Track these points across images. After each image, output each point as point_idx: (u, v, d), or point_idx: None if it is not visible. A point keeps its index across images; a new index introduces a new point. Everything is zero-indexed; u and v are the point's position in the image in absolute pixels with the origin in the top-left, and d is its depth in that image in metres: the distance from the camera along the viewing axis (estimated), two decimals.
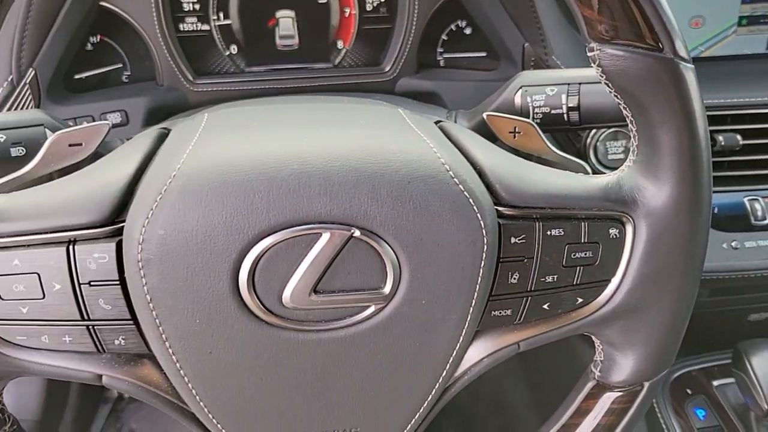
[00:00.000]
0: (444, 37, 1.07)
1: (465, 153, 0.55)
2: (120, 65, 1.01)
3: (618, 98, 0.51)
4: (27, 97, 0.89)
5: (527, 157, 0.67)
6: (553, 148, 0.67)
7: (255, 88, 1.01)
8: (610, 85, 0.51)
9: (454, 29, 1.07)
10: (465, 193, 0.49)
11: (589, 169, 0.65)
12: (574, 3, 0.49)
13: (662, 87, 0.49)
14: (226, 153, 0.49)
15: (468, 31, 1.07)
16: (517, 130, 0.67)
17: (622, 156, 0.96)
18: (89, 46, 0.98)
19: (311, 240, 0.47)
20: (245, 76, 1.03)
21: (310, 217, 0.46)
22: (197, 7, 1.00)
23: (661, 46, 0.48)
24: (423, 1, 1.00)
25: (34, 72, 0.89)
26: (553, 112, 0.73)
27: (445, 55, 1.08)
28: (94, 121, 0.93)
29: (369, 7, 1.05)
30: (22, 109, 0.89)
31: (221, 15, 1.01)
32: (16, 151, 0.67)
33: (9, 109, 0.88)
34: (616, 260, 0.54)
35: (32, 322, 0.49)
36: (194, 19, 1.01)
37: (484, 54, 1.07)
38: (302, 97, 0.70)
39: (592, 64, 0.51)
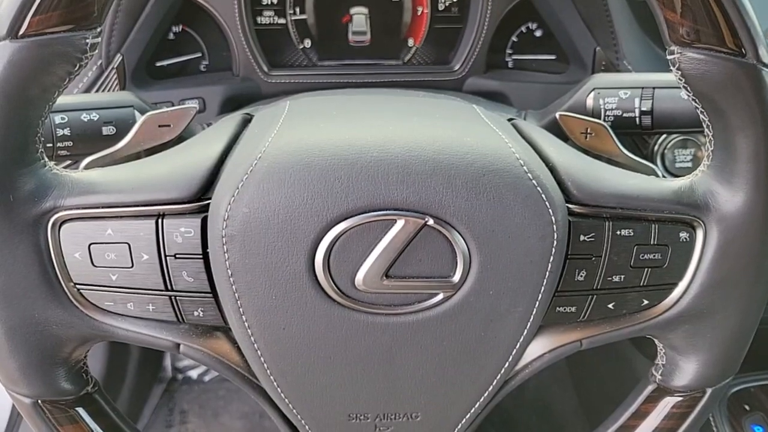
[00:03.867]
0: (514, 38, 1.07)
1: (538, 150, 0.56)
2: (199, 55, 1.04)
3: (696, 102, 0.52)
4: (113, 81, 0.93)
5: (598, 158, 0.67)
6: (625, 151, 0.67)
7: (326, 81, 1.03)
8: (688, 88, 0.51)
9: (524, 31, 1.07)
10: (538, 188, 0.50)
11: (659, 172, 0.65)
12: (656, 5, 0.49)
13: (742, 92, 0.49)
14: (309, 138, 0.51)
15: (539, 33, 1.07)
16: (589, 131, 0.68)
17: (690, 164, 0.95)
18: (171, 36, 1.03)
19: (386, 226, 0.48)
20: (317, 69, 1.06)
21: (387, 203, 0.48)
22: (275, 1, 1.03)
23: (743, 51, 0.48)
24: (495, 3, 1.01)
25: (121, 57, 0.93)
26: (625, 115, 0.74)
27: (514, 57, 1.08)
28: (173, 106, 0.97)
29: (441, 7, 1.06)
30: (108, 91, 0.93)
31: (297, 10, 1.04)
32: (107, 130, 0.70)
33: (96, 91, 0.92)
34: (685, 264, 0.54)
35: (120, 289, 0.52)
36: (271, 13, 1.04)
37: (553, 57, 1.07)
38: (379, 90, 0.72)
39: (672, 68, 0.51)
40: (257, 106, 0.69)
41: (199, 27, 1.03)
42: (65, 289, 0.51)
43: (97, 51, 0.91)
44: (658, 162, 0.95)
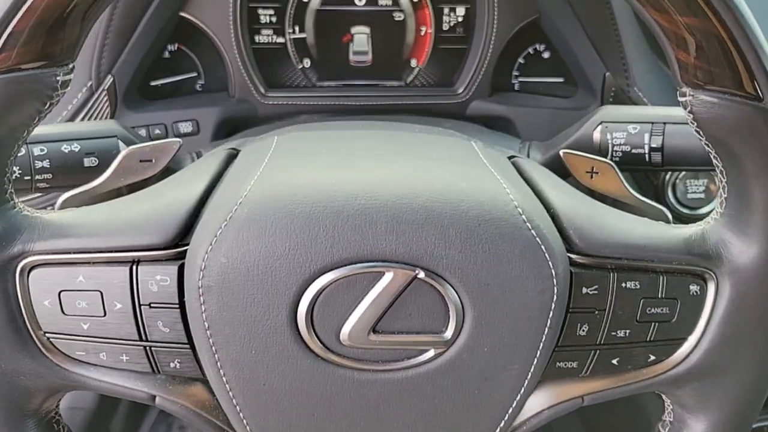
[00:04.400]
0: (521, 60, 1.04)
1: (539, 193, 0.53)
2: (195, 74, 1.02)
3: (709, 147, 0.49)
4: (104, 103, 0.90)
5: (603, 198, 0.64)
6: (633, 192, 0.64)
7: (325, 103, 1.00)
8: (701, 132, 0.48)
9: (531, 52, 1.04)
10: (537, 238, 0.47)
11: (669, 215, 0.62)
12: (668, 45, 0.46)
13: (759, 138, 0.46)
14: (293, 182, 0.49)
15: (546, 55, 1.04)
16: (594, 170, 0.64)
17: (702, 195, 0.91)
18: (167, 54, 1.00)
19: (374, 278, 0.46)
20: (316, 90, 1.03)
21: (375, 254, 0.45)
22: (274, 19, 1.01)
23: (761, 95, 0.45)
24: (502, 23, 0.98)
25: (112, 79, 0.91)
26: (633, 151, 0.70)
27: (521, 79, 1.05)
28: (166, 129, 0.94)
29: (446, 27, 1.03)
30: (98, 114, 0.90)
31: (296, 28, 1.01)
32: (89, 162, 0.68)
33: (86, 114, 0.90)
34: (695, 318, 0.51)
35: (92, 338, 0.49)
36: (270, 32, 1.01)
37: (561, 80, 1.04)
38: (373, 122, 0.69)
39: (683, 110, 0.48)
40: (245, 139, 0.66)
41: (195, 46, 1.00)
42: (34, 337, 0.49)
43: (85, 72, 0.90)
44: (670, 193, 0.92)
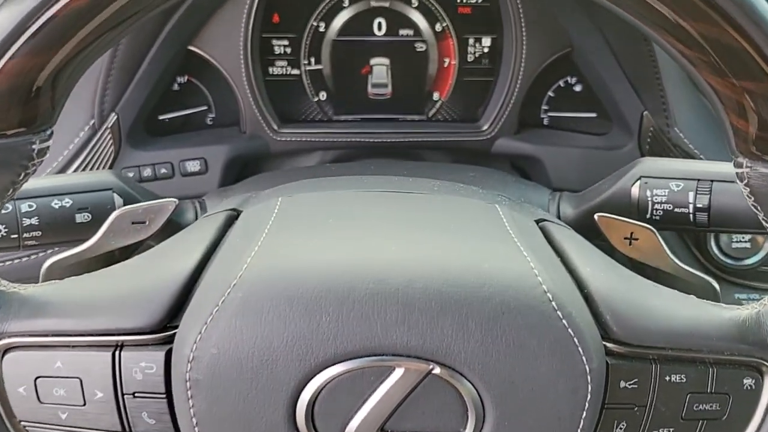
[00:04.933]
0: (550, 93, 0.97)
1: (571, 269, 0.49)
2: (205, 107, 0.97)
3: (767, 223, 0.44)
4: (107, 143, 0.86)
5: (642, 267, 0.57)
6: (676, 261, 0.57)
7: (341, 140, 0.95)
8: (758, 207, 0.43)
9: (562, 85, 0.97)
10: (569, 329, 0.42)
11: (718, 288, 0.55)
12: (722, 111, 0.41)
13: None
14: (293, 261, 0.45)
15: (578, 88, 0.97)
16: (633, 236, 0.58)
17: (748, 245, 0.84)
18: (176, 87, 0.95)
19: (382, 373, 0.41)
20: (332, 125, 0.98)
21: (384, 347, 0.41)
22: (288, 50, 0.95)
23: None
24: (531, 56, 0.92)
25: (116, 116, 0.86)
26: (676, 210, 0.63)
27: (550, 114, 0.98)
28: (173, 168, 0.89)
29: (470, 58, 0.97)
30: (100, 154, 0.86)
31: (312, 60, 0.96)
32: (81, 218, 0.63)
33: (88, 155, 0.85)
34: (748, 416, 0.46)
35: (70, 428, 0.45)
36: (284, 63, 0.96)
37: (594, 115, 0.97)
38: (388, 178, 0.63)
39: (739, 183, 0.43)
40: (248, 195, 0.61)
41: (206, 78, 0.95)
42: (8, 426, 0.46)
43: (88, 111, 0.85)
44: (711, 242, 0.85)
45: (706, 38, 0.39)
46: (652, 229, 0.58)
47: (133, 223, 0.57)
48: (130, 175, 0.88)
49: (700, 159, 0.86)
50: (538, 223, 0.57)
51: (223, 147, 0.91)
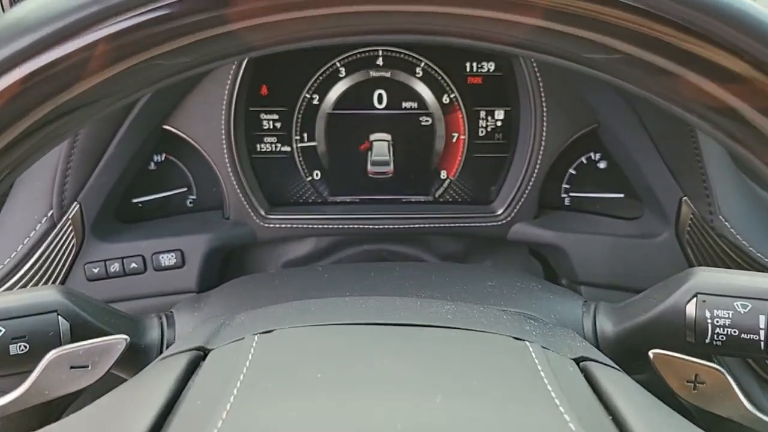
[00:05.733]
0: (572, 171, 0.87)
1: (622, 427, 0.36)
2: (185, 189, 0.86)
3: None
4: (68, 235, 0.75)
5: (707, 416, 0.46)
6: (754, 410, 0.45)
7: (336, 226, 0.83)
8: None
9: (584, 162, 0.86)
10: None
11: None
12: None
13: None
14: None
15: (602, 165, 0.86)
16: (698, 380, 0.46)
17: None
18: (152, 166, 0.84)
19: None
20: (327, 208, 0.87)
21: None
22: (278, 125, 0.85)
23: None
24: (552, 132, 0.81)
25: (78, 206, 0.75)
26: (743, 336, 0.51)
27: (572, 194, 0.87)
28: (144, 262, 0.78)
29: (482, 132, 0.86)
30: (60, 248, 0.75)
31: (305, 135, 0.86)
32: (16, 348, 0.51)
33: (45, 250, 0.74)
34: None
35: None
36: (273, 139, 0.86)
37: (621, 196, 0.86)
38: (390, 302, 0.52)
39: None
40: (220, 324, 0.49)
41: (185, 155, 0.85)
42: None
43: (45, 201, 0.75)
44: None
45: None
46: (722, 370, 0.46)
47: (71, 368, 0.45)
48: (95, 270, 0.77)
49: (750, 251, 0.74)
50: (578, 363, 0.45)
51: (203, 237, 0.80)
